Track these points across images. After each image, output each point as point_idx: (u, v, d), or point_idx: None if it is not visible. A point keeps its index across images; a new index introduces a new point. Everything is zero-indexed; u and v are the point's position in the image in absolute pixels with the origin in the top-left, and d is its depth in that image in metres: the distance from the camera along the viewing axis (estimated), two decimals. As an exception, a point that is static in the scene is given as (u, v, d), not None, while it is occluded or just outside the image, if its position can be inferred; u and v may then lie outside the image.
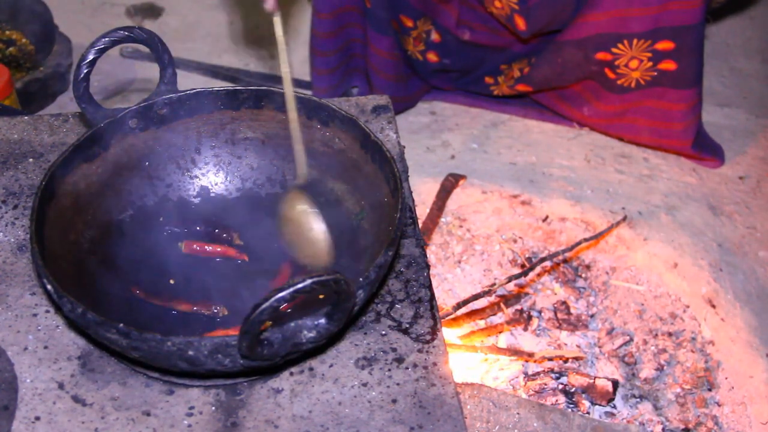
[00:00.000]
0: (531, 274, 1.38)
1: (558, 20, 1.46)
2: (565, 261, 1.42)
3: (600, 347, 1.28)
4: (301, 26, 1.87)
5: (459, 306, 1.21)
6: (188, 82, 1.79)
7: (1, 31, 1.84)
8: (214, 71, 1.86)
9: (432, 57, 1.59)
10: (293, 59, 1.90)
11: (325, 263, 0.87)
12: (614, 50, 1.43)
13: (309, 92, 1.68)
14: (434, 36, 1.56)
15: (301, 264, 0.90)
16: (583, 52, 1.45)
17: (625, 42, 1.41)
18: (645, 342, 1.29)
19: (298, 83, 1.81)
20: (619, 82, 1.48)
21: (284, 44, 0.90)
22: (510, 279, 1.24)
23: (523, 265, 1.40)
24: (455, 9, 1.52)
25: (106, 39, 0.87)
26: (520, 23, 1.45)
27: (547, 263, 1.40)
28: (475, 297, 1.22)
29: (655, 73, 1.44)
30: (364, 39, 1.58)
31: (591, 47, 1.44)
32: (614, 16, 1.38)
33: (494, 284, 1.24)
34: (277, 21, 0.89)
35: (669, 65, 1.42)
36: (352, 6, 1.56)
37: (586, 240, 1.33)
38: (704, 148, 1.55)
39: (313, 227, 0.89)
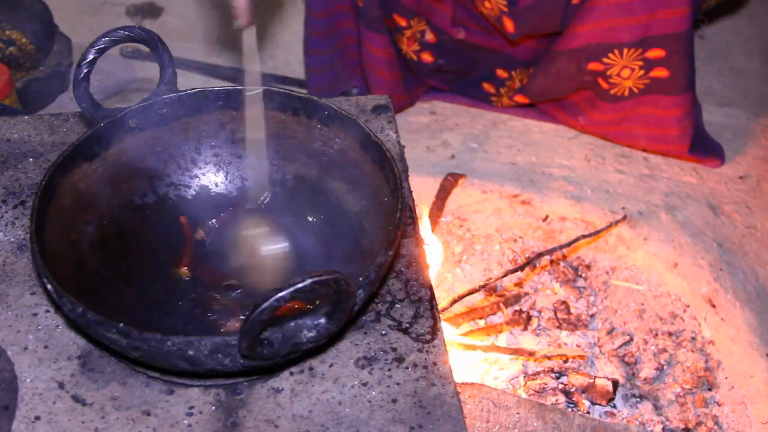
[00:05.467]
0: (527, 270, 1.38)
1: (547, 24, 1.46)
2: (563, 258, 1.42)
3: (600, 347, 1.28)
4: (297, 25, 1.87)
5: (455, 301, 1.21)
6: (188, 82, 1.78)
7: (1, 30, 1.84)
8: (214, 71, 1.86)
9: (427, 57, 1.59)
10: (291, 58, 1.90)
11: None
12: (605, 60, 1.43)
13: (305, 91, 1.67)
14: (429, 36, 1.55)
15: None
16: (575, 63, 1.46)
17: (616, 52, 1.41)
18: (645, 342, 1.29)
19: (297, 83, 1.81)
20: (612, 91, 1.48)
21: (257, 58, 0.86)
22: (506, 273, 1.24)
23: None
24: (449, 7, 1.52)
25: (106, 39, 0.87)
26: (509, 25, 1.45)
27: (546, 259, 1.40)
28: (471, 292, 1.22)
29: (648, 81, 1.44)
30: (359, 38, 1.58)
31: (583, 58, 1.44)
32: (604, 26, 1.38)
33: (490, 279, 1.24)
34: (251, 33, 0.85)
35: (661, 73, 1.42)
36: (345, 5, 1.55)
37: (584, 237, 1.33)
38: (703, 150, 1.55)
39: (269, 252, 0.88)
